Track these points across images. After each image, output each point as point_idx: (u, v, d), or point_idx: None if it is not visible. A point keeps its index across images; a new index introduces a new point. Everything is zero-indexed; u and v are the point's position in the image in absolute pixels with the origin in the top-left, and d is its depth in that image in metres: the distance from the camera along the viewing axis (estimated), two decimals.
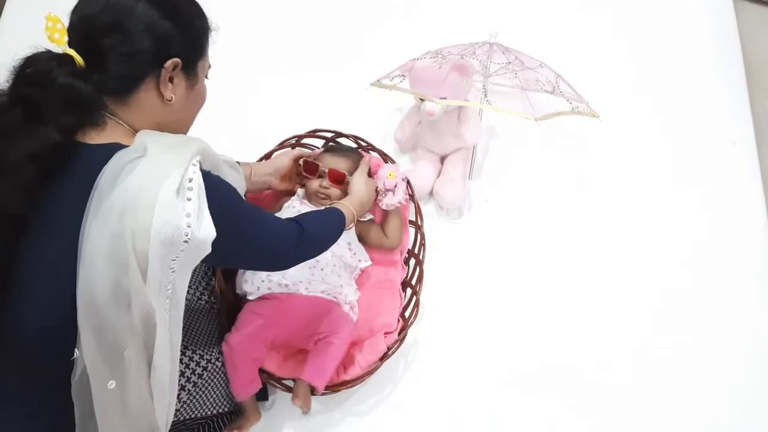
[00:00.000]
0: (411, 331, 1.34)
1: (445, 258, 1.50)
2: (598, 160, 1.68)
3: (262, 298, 1.27)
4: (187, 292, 1.22)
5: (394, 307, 1.37)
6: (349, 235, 1.36)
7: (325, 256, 1.29)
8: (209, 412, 1.21)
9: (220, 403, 1.22)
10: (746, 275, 1.51)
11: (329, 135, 1.53)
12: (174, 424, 1.07)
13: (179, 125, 0.98)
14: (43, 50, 0.84)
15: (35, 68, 0.82)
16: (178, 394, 1.11)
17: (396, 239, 1.43)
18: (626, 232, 1.57)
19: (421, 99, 1.46)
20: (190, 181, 0.82)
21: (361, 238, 1.41)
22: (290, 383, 1.28)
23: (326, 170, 1.37)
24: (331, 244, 1.15)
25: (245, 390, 1.22)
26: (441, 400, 1.35)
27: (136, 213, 0.77)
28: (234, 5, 1.95)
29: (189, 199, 0.80)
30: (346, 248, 1.35)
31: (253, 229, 0.96)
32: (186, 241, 0.80)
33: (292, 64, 1.84)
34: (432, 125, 1.54)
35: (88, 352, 0.81)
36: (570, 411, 1.34)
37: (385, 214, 1.44)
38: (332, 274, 1.30)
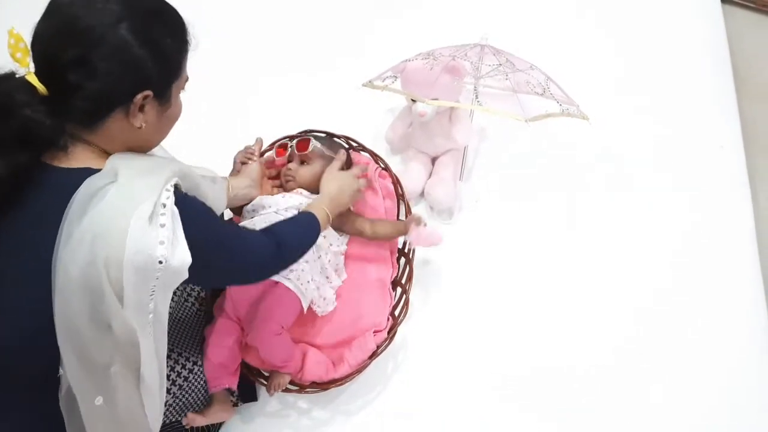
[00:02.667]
0: (400, 331, 1.35)
1: (436, 258, 1.51)
2: (587, 162, 1.69)
3: None
4: (172, 299, 1.23)
5: (384, 305, 1.38)
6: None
7: None
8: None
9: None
10: (733, 278, 1.52)
11: (321, 135, 1.54)
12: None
13: (151, 143, 0.94)
14: (6, 72, 0.81)
15: None
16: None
17: (378, 235, 1.39)
18: (615, 235, 1.58)
19: (412, 100, 1.47)
20: (164, 206, 0.80)
21: (341, 226, 1.39)
22: None
23: (294, 145, 1.38)
24: (308, 249, 1.14)
25: (214, 381, 1.21)
26: (430, 399, 1.36)
27: (108, 242, 0.75)
28: (225, 6, 1.96)
29: (162, 225, 0.78)
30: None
31: (229, 250, 0.94)
32: (160, 269, 0.79)
33: (283, 65, 1.85)
34: (423, 126, 1.55)
35: (71, 371, 0.81)
36: (559, 414, 1.34)
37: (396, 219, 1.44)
38: None
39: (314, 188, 1.35)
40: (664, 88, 1.83)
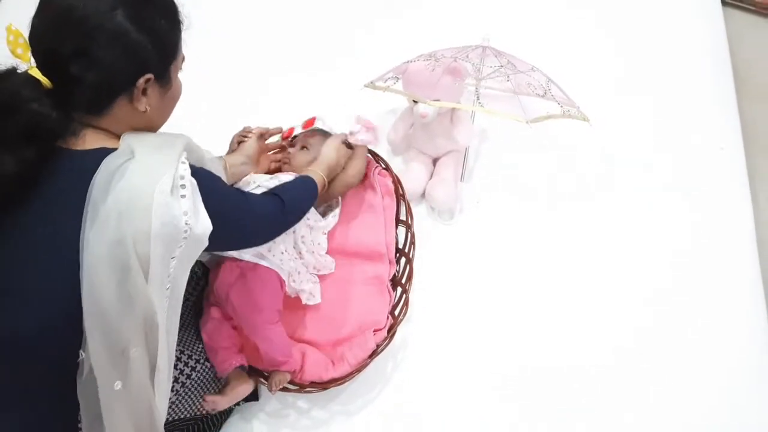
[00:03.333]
0: (400, 331, 1.35)
1: (436, 259, 1.51)
2: (588, 164, 1.69)
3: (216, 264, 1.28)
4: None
5: (383, 304, 1.38)
6: None
7: None
8: (197, 413, 1.21)
9: (199, 406, 1.21)
10: (733, 278, 1.52)
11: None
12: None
13: (157, 124, 0.97)
14: (8, 68, 0.82)
15: None
16: None
17: (341, 179, 1.37)
18: (615, 235, 1.58)
19: (414, 101, 1.47)
20: (182, 178, 0.83)
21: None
22: None
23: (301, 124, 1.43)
24: (308, 210, 1.20)
25: (223, 364, 1.21)
26: (429, 399, 1.36)
27: (134, 217, 0.78)
28: (226, 7, 1.97)
29: (183, 197, 0.82)
30: None
31: (241, 213, 1.00)
32: (185, 238, 0.82)
33: (284, 66, 1.85)
34: (425, 127, 1.56)
35: (95, 353, 0.81)
36: (559, 414, 1.35)
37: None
38: None
39: None
40: (665, 90, 1.83)
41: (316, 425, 1.33)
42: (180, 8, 0.91)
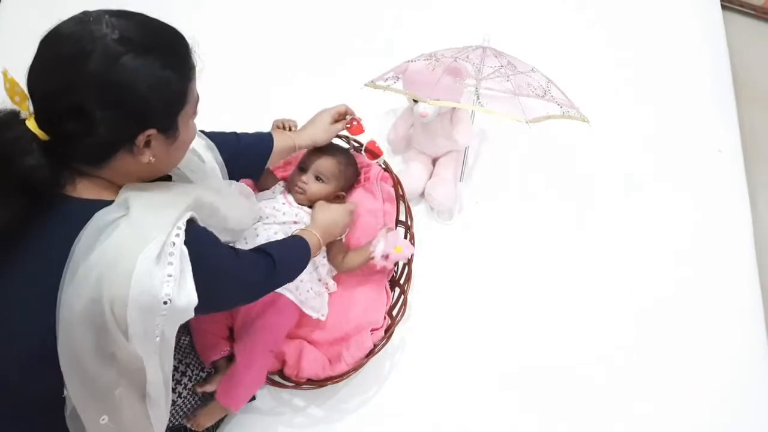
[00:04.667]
0: (398, 331, 1.35)
1: (435, 259, 1.51)
2: (587, 165, 1.69)
3: None
4: None
5: (381, 304, 1.38)
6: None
7: None
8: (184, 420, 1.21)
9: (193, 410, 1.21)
10: (731, 281, 1.53)
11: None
12: None
13: (164, 171, 0.92)
14: (7, 115, 0.77)
15: None
16: None
17: (347, 267, 1.38)
18: (614, 237, 1.58)
19: (414, 100, 1.48)
20: (173, 245, 0.78)
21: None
22: (275, 377, 1.29)
23: (365, 145, 1.45)
24: (299, 273, 1.16)
25: (210, 350, 1.22)
26: (426, 399, 1.36)
27: (113, 280, 0.74)
28: (227, 7, 1.97)
29: (170, 264, 0.77)
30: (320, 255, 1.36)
31: (231, 282, 0.94)
32: (165, 309, 0.77)
33: (285, 65, 1.85)
34: (424, 127, 1.56)
35: (75, 396, 0.81)
36: (557, 414, 1.35)
37: (363, 245, 1.41)
38: None
39: None
40: (664, 92, 1.84)
41: (312, 423, 1.33)
42: (193, 50, 0.85)
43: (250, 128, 1.63)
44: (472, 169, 1.67)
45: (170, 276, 0.77)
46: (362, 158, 1.53)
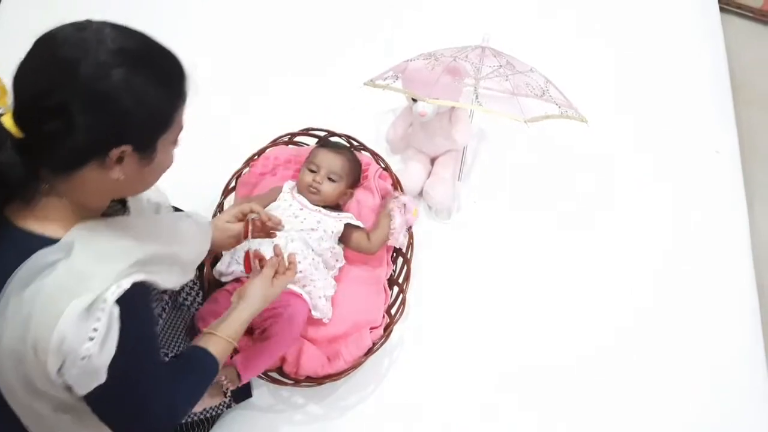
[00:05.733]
0: (397, 330, 1.35)
1: (433, 258, 1.52)
2: (584, 165, 1.70)
3: (236, 280, 1.30)
4: (186, 299, 1.22)
5: (379, 302, 1.39)
6: (331, 240, 1.37)
7: (304, 250, 1.31)
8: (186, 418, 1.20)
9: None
10: (729, 282, 1.54)
11: (322, 134, 1.55)
12: None
13: (134, 193, 0.90)
14: None
15: None
16: None
17: (377, 246, 1.40)
18: (611, 237, 1.59)
19: (413, 99, 1.48)
20: (104, 302, 0.75)
21: (342, 240, 1.41)
22: (274, 374, 1.29)
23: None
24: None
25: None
26: (424, 397, 1.36)
27: (40, 323, 0.73)
28: (228, 5, 1.97)
29: (98, 320, 0.75)
30: (328, 251, 1.36)
31: (137, 381, 0.84)
32: (82, 366, 0.75)
33: (284, 64, 1.85)
34: (423, 126, 1.56)
35: (19, 415, 0.82)
36: (556, 412, 1.36)
37: (377, 220, 1.44)
38: (309, 266, 1.32)
39: (334, 205, 1.42)
40: (663, 94, 1.84)
41: (311, 421, 1.33)
42: (188, 75, 0.83)
43: (251, 128, 1.65)
44: (471, 168, 1.67)
45: (95, 330, 0.74)
46: (361, 156, 1.53)
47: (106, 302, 0.75)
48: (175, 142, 0.86)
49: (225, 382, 1.17)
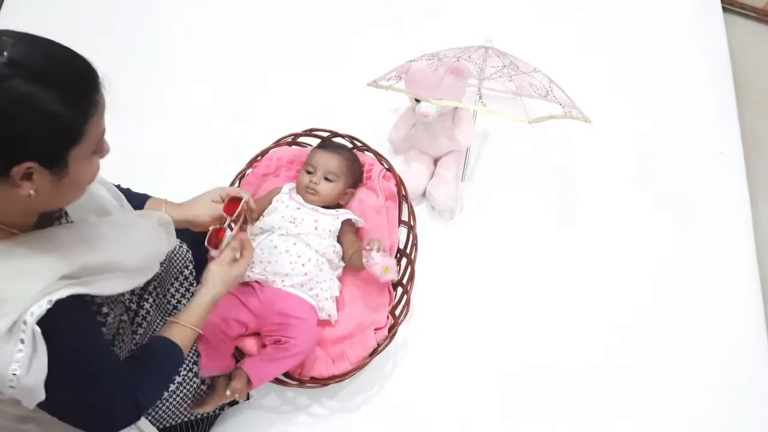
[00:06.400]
0: (401, 330, 1.35)
1: (437, 259, 1.52)
2: (588, 167, 1.70)
3: (243, 283, 1.30)
4: (174, 297, 1.21)
5: (383, 303, 1.38)
6: (330, 238, 1.37)
7: (307, 252, 1.31)
8: (175, 422, 1.20)
9: (184, 414, 1.20)
10: (732, 282, 1.53)
11: (324, 134, 1.55)
12: None
13: (48, 207, 0.85)
14: None
15: None
16: None
17: (352, 266, 1.39)
18: (614, 237, 1.59)
19: (416, 100, 1.48)
20: (25, 324, 0.73)
21: (338, 239, 1.41)
22: (279, 375, 1.28)
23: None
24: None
25: (215, 367, 1.22)
26: (429, 398, 1.36)
27: None
28: (230, 4, 1.97)
29: (22, 341, 0.73)
30: (330, 249, 1.36)
31: (84, 389, 0.82)
32: (12, 387, 0.74)
33: (288, 63, 1.86)
34: (426, 127, 1.56)
35: None
36: (559, 413, 1.35)
37: (356, 251, 1.39)
38: (314, 268, 1.32)
39: (333, 205, 1.42)
40: (666, 95, 1.84)
41: (316, 421, 1.33)
42: (103, 85, 0.77)
43: (251, 128, 1.65)
44: (474, 169, 1.67)
45: (21, 352, 0.73)
46: (364, 157, 1.53)
47: (27, 324, 0.73)
48: (97, 152, 0.80)
49: (237, 397, 1.20)
